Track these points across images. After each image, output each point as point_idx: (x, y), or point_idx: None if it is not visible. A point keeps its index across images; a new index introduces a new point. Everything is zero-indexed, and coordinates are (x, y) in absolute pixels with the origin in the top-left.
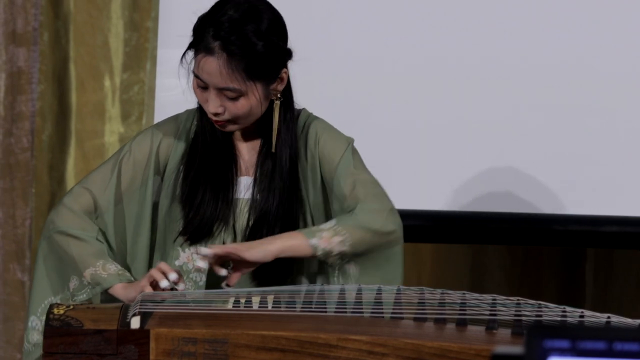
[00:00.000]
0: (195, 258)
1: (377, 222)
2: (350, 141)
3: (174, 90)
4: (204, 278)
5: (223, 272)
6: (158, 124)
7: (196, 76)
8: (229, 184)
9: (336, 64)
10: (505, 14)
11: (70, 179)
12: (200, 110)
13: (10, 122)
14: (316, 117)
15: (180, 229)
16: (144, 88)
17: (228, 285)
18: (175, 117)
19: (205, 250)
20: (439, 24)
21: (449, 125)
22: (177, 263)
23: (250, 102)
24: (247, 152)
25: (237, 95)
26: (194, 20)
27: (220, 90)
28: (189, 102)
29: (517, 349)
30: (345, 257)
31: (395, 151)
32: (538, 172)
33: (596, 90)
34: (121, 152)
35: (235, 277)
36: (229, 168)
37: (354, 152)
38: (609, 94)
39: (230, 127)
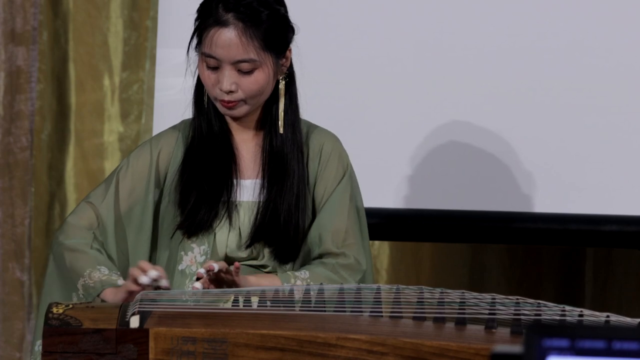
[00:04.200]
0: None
1: (349, 280)
2: (348, 169)
3: (173, 90)
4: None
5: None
6: (156, 135)
7: (207, 56)
8: (227, 185)
9: (332, 63)
10: (504, 14)
11: (70, 178)
12: (196, 112)
13: (9, 122)
14: (317, 126)
15: (177, 224)
16: (143, 87)
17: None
18: (173, 128)
19: (215, 265)
20: (436, 23)
21: (449, 124)
22: (180, 268)
23: (263, 75)
24: (248, 153)
25: (252, 68)
26: (193, 19)
27: (235, 64)
28: (188, 101)
29: (516, 348)
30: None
31: (395, 150)
32: (538, 171)
33: (596, 90)
34: (118, 167)
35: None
36: (227, 170)
37: (352, 179)
38: (609, 93)
39: (240, 110)
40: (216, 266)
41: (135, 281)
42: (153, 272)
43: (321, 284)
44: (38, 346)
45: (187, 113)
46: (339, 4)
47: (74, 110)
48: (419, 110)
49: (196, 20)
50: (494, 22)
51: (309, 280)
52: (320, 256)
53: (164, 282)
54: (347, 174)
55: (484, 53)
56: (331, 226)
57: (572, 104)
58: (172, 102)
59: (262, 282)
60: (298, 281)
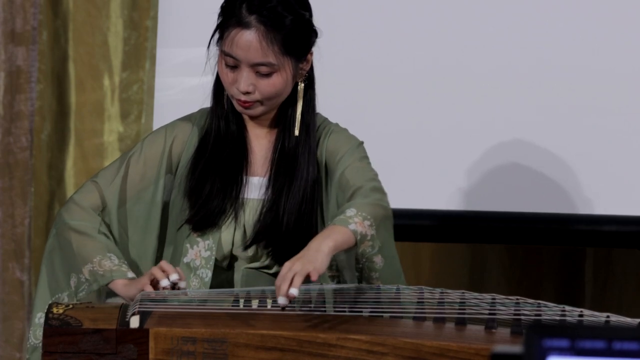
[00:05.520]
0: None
1: (383, 199)
2: (359, 142)
3: (173, 90)
4: (209, 274)
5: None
6: (172, 122)
7: (227, 55)
8: (236, 182)
9: (339, 65)
10: (505, 15)
11: (70, 178)
12: (214, 105)
13: (9, 121)
14: (331, 122)
15: (186, 218)
16: (143, 87)
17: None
18: (189, 116)
19: (293, 292)
20: (435, 24)
21: (449, 125)
22: (185, 260)
23: (282, 79)
24: (260, 150)
25: (270, 72)
26: (193, 19)
27: (254, 67)
28: (188, 101)
29: (516, 349)
30: (375, 245)
31: (396, 150)
32: (538, 171)
33: (596, 90)
34: (131, 150)
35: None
36: (239, 166)
37: (362, 150)
38: (608, 93)
39: (256, 110)
40: (296, 292)
41: (154, 281)
42: (174, 275)
43: (382, 218)
44: (39, 318)
45: (205, 104)
46: (339, 5)
47: (74, 110)
48: (418, 111)
49: (219, 16)
50: (494, 23)
51: (360, 213)
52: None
53: (182, 284)
54: (360, 145)
55: (483, 54)
56: (349, 178)
57: (572, 104)
58: (172, 102)
59: (338, 240)
60: (355, 218)
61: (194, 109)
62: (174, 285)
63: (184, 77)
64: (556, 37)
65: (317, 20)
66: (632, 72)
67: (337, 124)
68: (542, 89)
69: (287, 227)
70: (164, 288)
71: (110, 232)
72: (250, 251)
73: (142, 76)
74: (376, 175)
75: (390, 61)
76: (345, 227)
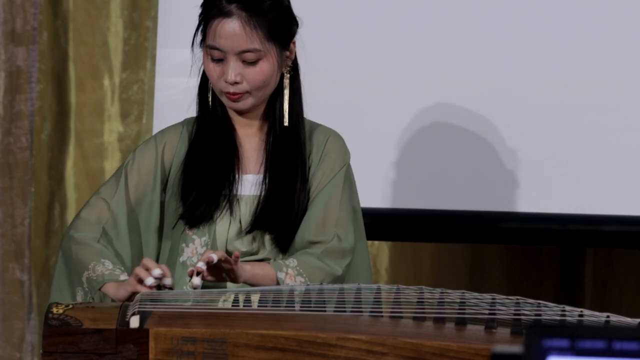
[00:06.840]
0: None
1: (334, 267)
2: (346, 160)
3: (173, 90)
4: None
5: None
6: (160, 131)
7: (211, 48)
8: (229, 180)
9: (327, 62)
10: (502, 13)
11: (70, 178)
12: (200, 108)
13: (9, 122)
14: (320, 124)
15: (180, 214)
16: (143, 87)
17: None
18: (177, 124)
19: (213, 256)
20: (432, 22)
21: (448, 124)
22: (181, 260)
23: (269, 65)
24: (252, 148)
25: (257, 58)
26: (193, 19)
27: (240, 55)
28: (188, 101)
29: (516, 349)
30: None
31: (395, 150)
32: (538, 171)
33: (596, 90)
34: (125, 161)
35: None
36: (230, 165)
37: (348, 177)
38: (608, 93)
39: (245, 102)
40: (215, 256)
41: (140, 281)
42: (157, 271)
43: (321, 283)
44: None
45: (190, 111)
46: (335, 2)
47: (74, 110)
48: (417, 110)
49: (200, 14)
50: (491, 21)
51: (298, 269)
52: (307, 246)
53: (167, 281)
54: (344, 170)
55: (481, 52)
56: (318, 217)
57: (571, 103)
58: (172, 102)
59: (256, 271)
60: (289, 270)
61: (194, 109)
62: (159, 284)
63: (184, 77)
64: (554, 35)
65: (312, 18)
66: (632, 70)
67: (333, 130)
68: (541, 88)
69: (288, 215)
70: (150, 287)
71: (112, 244)
72: (247, 244)
73: (142, 76)
74: (347, 221)
75: (386, 60)
76: (275, 271)
